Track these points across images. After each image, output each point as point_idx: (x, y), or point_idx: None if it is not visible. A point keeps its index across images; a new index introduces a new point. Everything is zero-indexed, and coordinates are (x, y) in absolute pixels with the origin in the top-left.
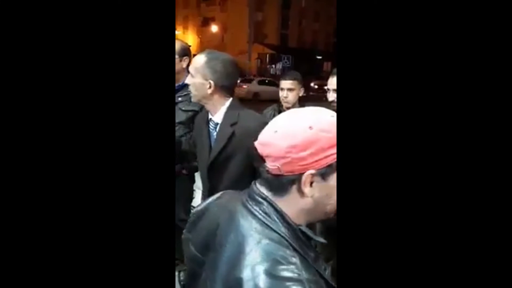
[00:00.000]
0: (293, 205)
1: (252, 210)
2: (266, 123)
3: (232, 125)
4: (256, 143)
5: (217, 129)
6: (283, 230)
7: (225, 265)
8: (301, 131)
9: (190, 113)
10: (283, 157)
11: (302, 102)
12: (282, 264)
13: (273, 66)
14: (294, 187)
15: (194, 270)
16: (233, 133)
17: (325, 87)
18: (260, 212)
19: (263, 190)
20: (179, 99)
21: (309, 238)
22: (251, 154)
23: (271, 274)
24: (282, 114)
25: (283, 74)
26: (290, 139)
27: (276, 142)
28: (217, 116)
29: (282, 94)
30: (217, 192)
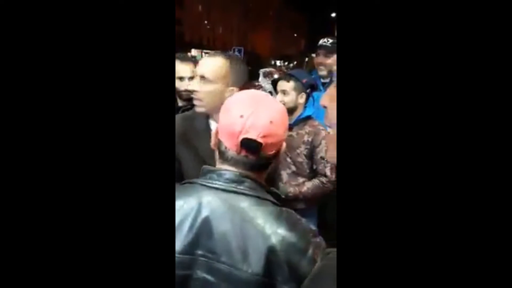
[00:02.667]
0: (265, 174)
1: (240, 191)
2: None
3: None
4: (255, 137)
5: None
6: (269, 197)
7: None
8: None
9: None
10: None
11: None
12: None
13: None
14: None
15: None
16: None
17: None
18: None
19: (242, 171)
20: None
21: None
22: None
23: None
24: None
25: None
26: (285, 124)
27: (276, 131)
28: None
29: None
30: None
